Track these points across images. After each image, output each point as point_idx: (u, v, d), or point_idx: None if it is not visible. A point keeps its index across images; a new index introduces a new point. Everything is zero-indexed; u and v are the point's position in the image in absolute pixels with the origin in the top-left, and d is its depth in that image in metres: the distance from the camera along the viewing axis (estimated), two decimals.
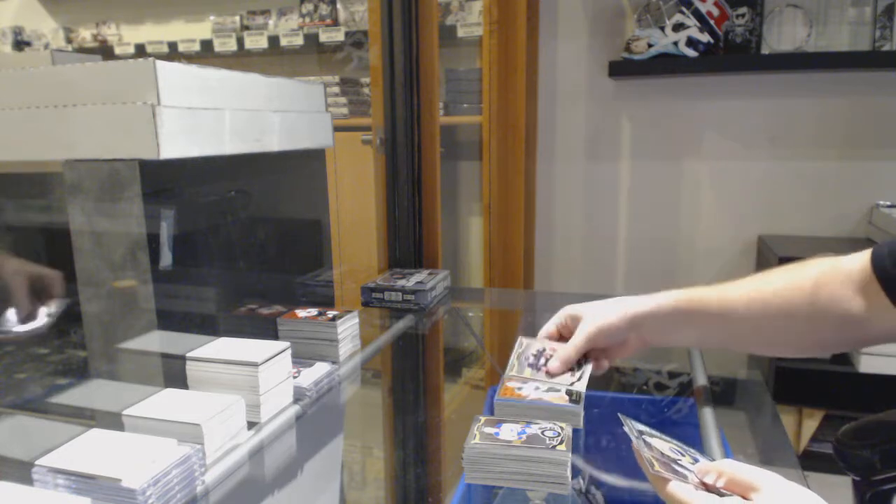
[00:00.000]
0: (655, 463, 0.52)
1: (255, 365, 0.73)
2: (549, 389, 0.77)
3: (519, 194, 2.07)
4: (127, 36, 3.07)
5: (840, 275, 0.67)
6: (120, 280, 0.71)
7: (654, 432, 0.60)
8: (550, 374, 0.78)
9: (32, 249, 0.84)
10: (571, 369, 0.79)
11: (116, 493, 0.55)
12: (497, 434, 0.65)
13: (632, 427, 0.58)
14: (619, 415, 0.60)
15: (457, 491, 0.70)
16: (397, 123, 1.46)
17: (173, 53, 2.80)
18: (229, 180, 0.86)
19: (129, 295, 0.71)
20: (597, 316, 0.80)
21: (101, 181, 0.69)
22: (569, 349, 0.79)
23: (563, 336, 0.85)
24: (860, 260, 0.66)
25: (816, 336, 0.71)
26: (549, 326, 0.85)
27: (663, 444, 0.57)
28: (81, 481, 0.56)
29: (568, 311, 0.84)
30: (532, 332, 0.87)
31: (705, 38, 1.88)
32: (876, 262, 0.64)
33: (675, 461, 0.54)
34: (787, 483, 0.48)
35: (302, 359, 0.91)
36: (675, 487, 0.49)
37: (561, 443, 0.64)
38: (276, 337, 0.94)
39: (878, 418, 0.80)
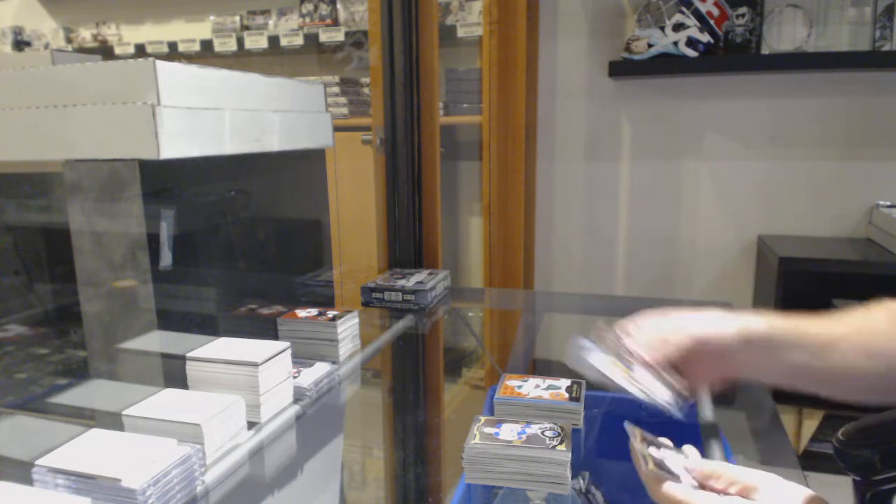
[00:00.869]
0: (651, 461, 0.51)
1: (255, 365, 0.73)
2: (549, 387, 0.77)
3: (519, 194, 2.07)
4: (127, 36, 3.07)
5: None
6: (120, 280, 0.71)
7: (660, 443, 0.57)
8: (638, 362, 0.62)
9: (32, 249, 0.84)
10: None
11: (116, 493, 0.55)
12: (497, 434, 0.65)
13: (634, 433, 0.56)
14: (626, 424, 0.57)
15: (457, 491, 0.70)
16: (397, 123, 1.46)
17: (173, 53, 2.79)
18: (229, 180, 0.86)
19: (129, 295, 0.71)
20: (704, 322, 0.63)
21: (101, 181, 0.69)
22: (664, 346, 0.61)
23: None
24: None
25: None
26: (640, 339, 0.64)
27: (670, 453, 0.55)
28: (81, 481, 0.56)
29: (661, 319, 0.65)
30: (531, 332, 0.86)
31: (705, 38, 1.88)
32: None
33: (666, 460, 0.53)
34: (786, 482, 0.48)
35: (302, 359, 0.91)
36: (671, 487, 0.49)
37: (561, 443, 0.64)
38: (276, 337, 0.94)
39: (878, 418, 0.80)
